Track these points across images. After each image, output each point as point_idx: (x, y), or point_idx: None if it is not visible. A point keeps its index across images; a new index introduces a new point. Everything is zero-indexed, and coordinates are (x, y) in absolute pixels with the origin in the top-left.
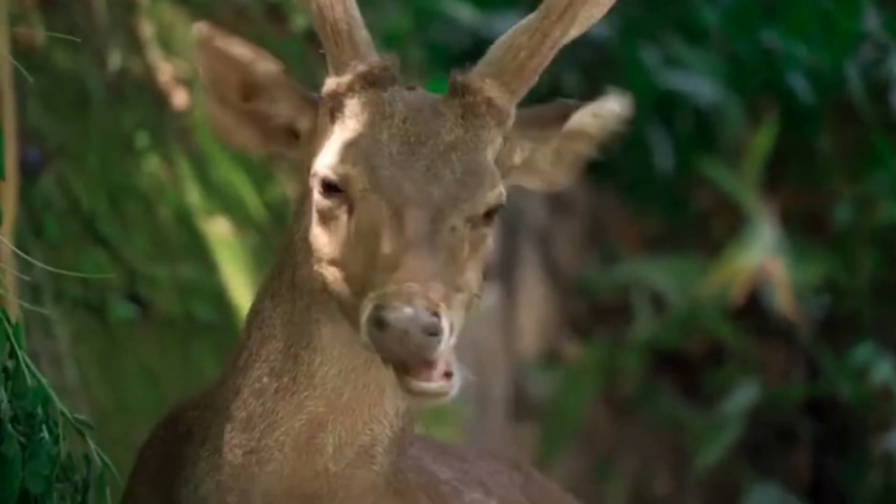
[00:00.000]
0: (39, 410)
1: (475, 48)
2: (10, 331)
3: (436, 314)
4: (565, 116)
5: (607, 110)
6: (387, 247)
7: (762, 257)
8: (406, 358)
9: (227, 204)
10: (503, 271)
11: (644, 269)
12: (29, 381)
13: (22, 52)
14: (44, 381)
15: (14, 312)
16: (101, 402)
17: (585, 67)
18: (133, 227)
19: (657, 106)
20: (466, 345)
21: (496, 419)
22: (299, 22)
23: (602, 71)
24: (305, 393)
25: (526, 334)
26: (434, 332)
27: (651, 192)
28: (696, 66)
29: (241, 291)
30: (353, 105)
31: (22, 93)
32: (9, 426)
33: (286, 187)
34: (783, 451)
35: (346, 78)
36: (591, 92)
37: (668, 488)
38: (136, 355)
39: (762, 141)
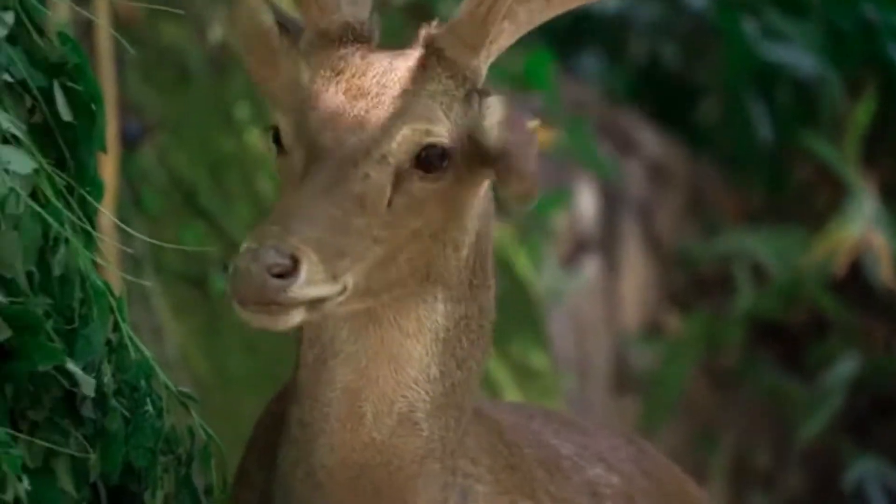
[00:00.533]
0: (143, 384)
1: (575, 22)
2: (113, 304)
3: (293, 257)
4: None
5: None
6: (282, 198)
7: (864, 229)
8: (255, 300)
9: None
10: (604, 244)
11: (745, 241)
12: (133, 354)
13: (123, 24)
14: (147, 354)
15: (117, 285)
16: (202, 375)
17: (684, 39)
18: (233, 200)
19: (757, 79)
20: (567, 316)
21: (598, 391)
22: None
23: (701, 43)
24: (332, 361)
25: (627, 306)
26: (281, 273)
27: (752, 164)
28: (796, 38)
29: None
30: (313, 61)
31: (122, 65)
32: (112, 400)
33: None
34: (885, 422)
35: (307, 35)
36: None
37: (769, 460)
38: (237, 328)
39: (861, 114)
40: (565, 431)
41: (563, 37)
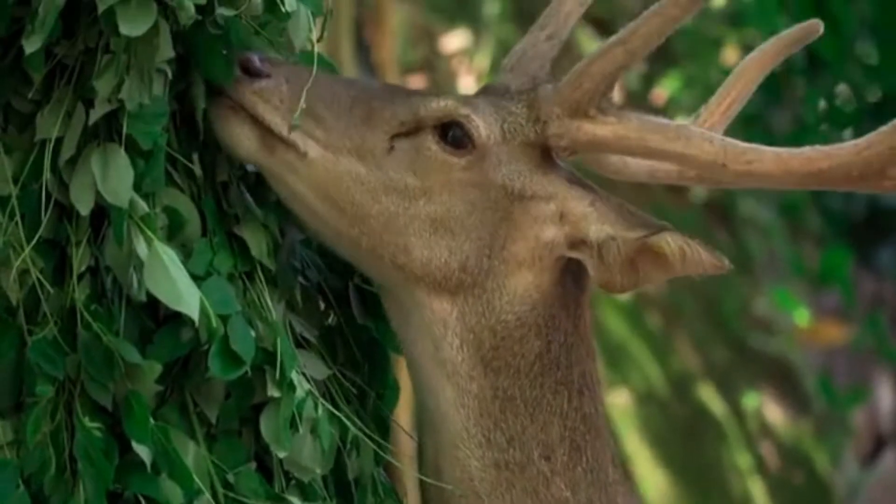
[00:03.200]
0: None
1: (871, 216)
2: None
3: (269, 76)
4: (648, 228)
5: (697, 257)
6: None
7: None
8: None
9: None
10: None
11: None
12: None
13: None
14: None
15: (412, 487)
16: None
17: None
18: None
19: None
20: None
21: None
22: (697, 193)
23: None
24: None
25: None
26: (251, 71)
27: None
28: None
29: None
30: None
31: None
32: None
33: (686, 359)
34: None
35: None
36: None
37: None
38: None
39: None
40: None
41: (860, 230)
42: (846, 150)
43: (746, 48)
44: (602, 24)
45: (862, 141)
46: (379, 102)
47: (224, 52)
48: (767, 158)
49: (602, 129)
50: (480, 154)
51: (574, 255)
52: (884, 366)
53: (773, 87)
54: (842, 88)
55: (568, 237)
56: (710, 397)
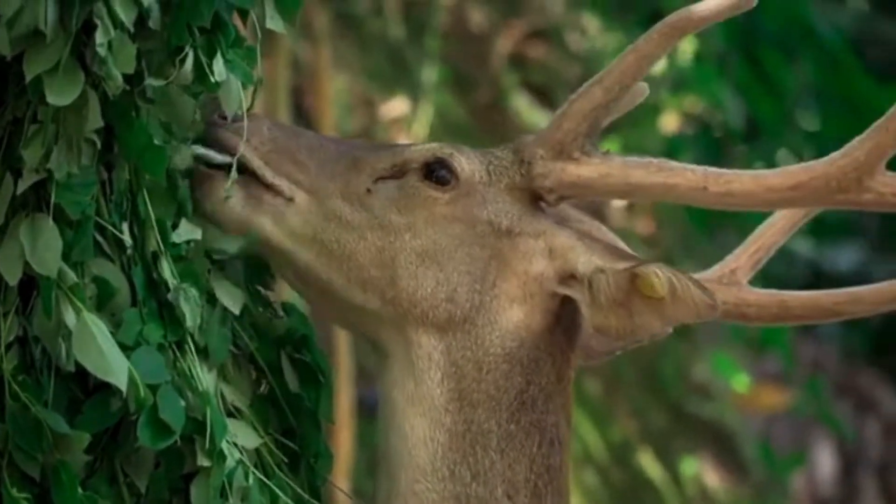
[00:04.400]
0: None
1: (814, 280)
2: None
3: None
4: (637, 260)
5: (688, 293)
6: None
7: None
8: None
9: None
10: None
11: None
12: None
13: None
14: None
15: None
16: None
17: None
18: None
19: None
20: None
21: None
22: None
23: None
24: None
25: None
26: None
27: None
28: None
29: None
30: None
31: None
32: None
33: (625, 424)
34: None
35: None
36: None
37: None
38: None
39: None
40: None
41: None
42: (823, 162)
43: (685, 115)
44: (541, 92)
45: (837, 153)
46: (362, 152)
47: (145, 123)
48: (746, 178)
49: (586, 169)
50: (464, 190)
51: (565, 291)
52: (823, 431)
53: (712, 152)
54: (782, 155)
55: (558, 271)
56: (648, 463)
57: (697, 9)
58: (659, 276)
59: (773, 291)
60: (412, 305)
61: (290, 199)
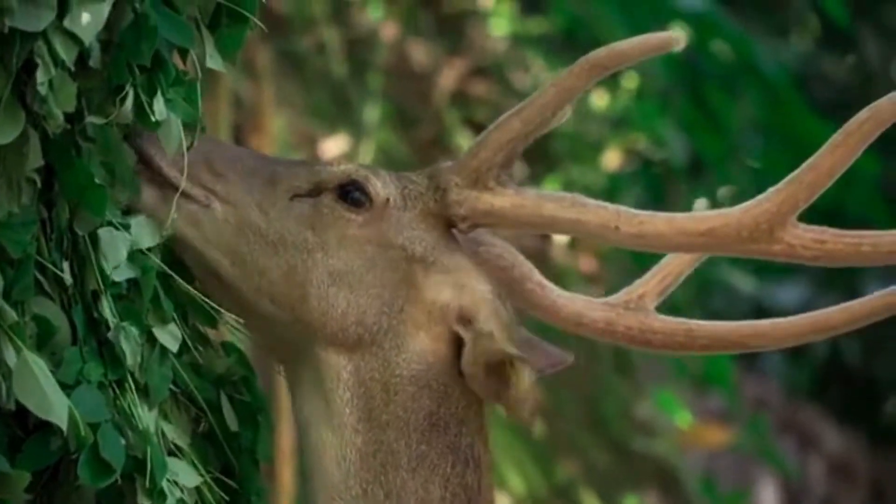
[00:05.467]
0: None
1: (756, 317)
2: None
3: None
4: (524, 353)
5: (523, 406)
6: None
7: None
8: None
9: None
10: None
11: None
12: None
13: None
14: None
15: None
16: None
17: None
18: None
19: None
20: None
21: None
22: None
23: (882, 338)
24: None
25: None
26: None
27: None
28: None
29: None
30: None
31: None
32: None
33: (567, 462)
34: None
35: None
36: (871, 361)
37: None
38: None
39: None
40: None
41: None
42: (737, 210)
43: (627, 151)
44: (484, 129)
45: (751, 201)
46: (281, 167)
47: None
48: (659, 220)
49: (500, 199)
50: (378, 213)
51: (458, 329)
52: (766, 468)
53: (655, 187)
54: (725, 190)
55: (461, 309)
56: (592, 502)
57: (620, 46)
58: (524, 383)
59: (680, 320)
60: (322, 325)
61: (206, 206)
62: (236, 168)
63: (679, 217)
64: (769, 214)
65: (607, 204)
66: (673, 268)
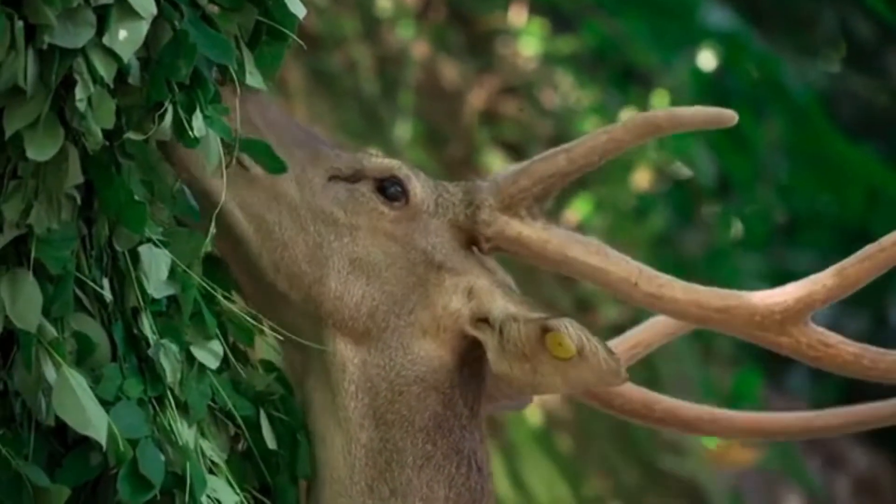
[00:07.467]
0: None
1: None
2: None
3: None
4: (545, 315)
5: (595, 357)
6: None
7: None
8: None
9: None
10: None
11: None
12: None
13: None
14: None
15: None
16: None
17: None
18: None
19: None
20: None
21: None
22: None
23: None
24: None
25: None
26: None
27: None
28: None
29: None
30: None
31: None
32: None
33: (596, 480)
34: None
35: None
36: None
37: None
38: None
39: None
40: None
41: (770, 353)
42: (754, 296)
43: (658, 172)
44: (513, 148)
45: (771, 290)
46: (326, 148)
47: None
48: (678, 287)
49: (528, 229)
50: (411, 214)
51: (475, 333)
52: (793, 486)
53: (683, 207)
54: (754, 209)
55: (473, 312)
56: None
57: (680, 112)
58: (570, 331)
59: (642, 390)
60: (334, 309)
61: (248, 169)
62: (284, 139)
63: (698, 289)
64: (784, 307)
65: (631, 259)
66: (646, 338)
